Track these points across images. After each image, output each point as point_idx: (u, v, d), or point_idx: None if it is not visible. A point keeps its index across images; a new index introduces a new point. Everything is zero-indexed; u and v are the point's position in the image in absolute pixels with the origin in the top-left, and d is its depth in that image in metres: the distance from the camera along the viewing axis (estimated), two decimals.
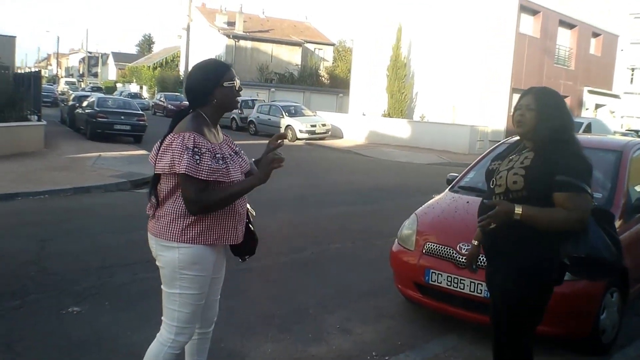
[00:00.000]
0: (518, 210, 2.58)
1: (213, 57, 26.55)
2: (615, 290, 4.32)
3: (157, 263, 2.75)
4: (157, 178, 2.70)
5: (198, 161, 2.52)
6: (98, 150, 16.00)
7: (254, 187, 2.65)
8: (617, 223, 4.49)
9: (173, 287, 2.69)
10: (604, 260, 2.65)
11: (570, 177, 2.60)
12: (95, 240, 6.96)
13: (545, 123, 2.72)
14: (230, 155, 2.72)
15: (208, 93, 2.68)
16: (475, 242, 3.14)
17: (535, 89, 2.86)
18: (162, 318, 2.77)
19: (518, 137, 3.00)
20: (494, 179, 2.86)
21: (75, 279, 5.45)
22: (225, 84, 2.69)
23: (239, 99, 2.89)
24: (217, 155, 2.61)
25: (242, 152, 2.89)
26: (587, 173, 2.68)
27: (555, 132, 2.72)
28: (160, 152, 2.61)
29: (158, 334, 2.79)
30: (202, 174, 2.52)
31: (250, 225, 2.95)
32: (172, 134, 2.61)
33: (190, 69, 2.83)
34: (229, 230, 2.73)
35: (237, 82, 2.75)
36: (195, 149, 2.53)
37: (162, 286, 2.75)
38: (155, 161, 2.63)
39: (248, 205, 2.95)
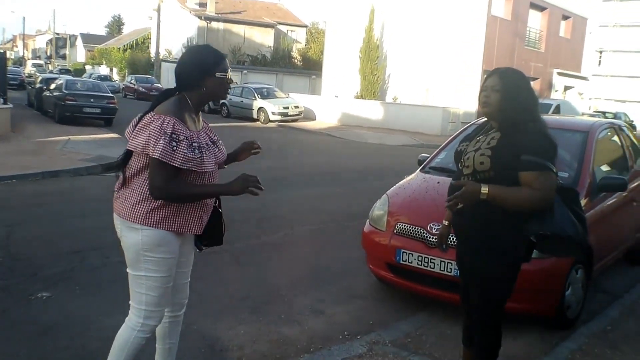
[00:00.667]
0: (484, 190, 2.62)
1: (185, 38, 26.31)
2: (580, 267, 4.43)
3: (121, 244, 2.71)
4: (129, 153, 2.64)
5: (174, 148, 2.47)
6: (67, 133, 15.71)
7: (226, 194, 2.63)
8: (583, 202, 4.58)
9: (138, 270, 2.66)
10: (569, 237, 2.71)
11: (535, 156, 2.65)
12: (65, 225, 6.87)
13: (510, 103, 2.75)
14: (207, 145, 2.67)
15: (199, 79, 2.63)
16: (446, 222, 3.19)
17: (500, 70, 2.88)
18: (130, 302, 2.74)
19: (485, 119, 3.03)
20: (462, 160, 2.90)
21: (45, 264, 5.39)
22: (218, 74, 2.65)
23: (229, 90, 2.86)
24: (193, 144, 2.56)
25: (220, 141, 2.84)
26: (552, 152, 2.72)
27: (520, 112, 2.75)
28: (137, 129, 2.55)
29: (127, 319, 2.76)
30: (176, 161, 2.48)
31: (221, 216, 2.92)
32: (152, 114, 2.55)
33: (185, 50, 2.78)
34: (194, 220, 2.69)
35: (229, 74, 2.71)
36: (174, 135, 2.48)
37: (127, 269, 2.71)
38: (130, 137, 2.58)
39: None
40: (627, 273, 5.98)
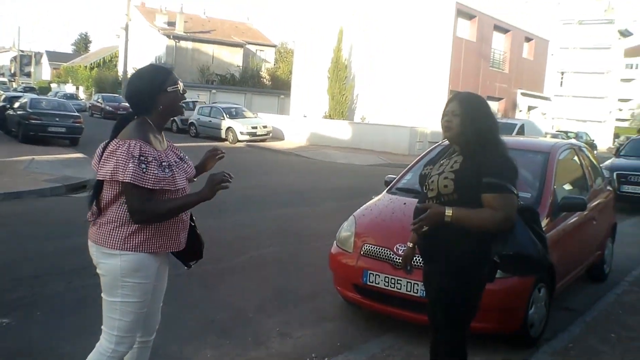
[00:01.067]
0: (448, 212, 2.67)
1: (153, 57, 26.10)
2: (542, 286, 4.52)
3: (97, 271, 2.68)
4: (99, 184, 2.63)
5: (144, 170, 2.48)
6: (31, 153, 15.40)
7: (203, 201, 2.62)
8: (545, 221, 4.71)
9: (114, 296, 2.63)
10: (530, 256, 2.77)
11: (496, 178, 2.71)
12: (27, 248, 6.72)
13: (470, 127, 2.82)
14: (175, 162, 2.69)
15: (152, 100, 2.63)
16: (410, 244, 3.23)
17: (460, 95, 2.96)
18: (102, 327, 2.71)
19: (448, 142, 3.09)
20: (426, 183, 2.95)
21: (5, 289, 5.24)
22: (169, 88, 2.65)
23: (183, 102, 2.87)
24: (163, 164, 2.57)
25: (186, 157, 2.86)
26: (512, 174, 2.79)
27: (480, 135, 2.82)
28: (103, 158, 2.54)
29: (98, 344, 2.72)
30: (148, 182, 2.49)
31: (197, 230, 2.94)
32: (117, 140, 2.54)
33: (130, 75, 2.79)
34: (172, 238, 2.70)
35: (181, 85, 2.72)
36: (142, 157, 2.49)
37: (102, 294, 2.69)
38: (98, 167, 2.57)
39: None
40: (588, 290, 6.11)
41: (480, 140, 2.81)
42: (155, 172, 2.51)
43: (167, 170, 2.57)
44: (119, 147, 2.51)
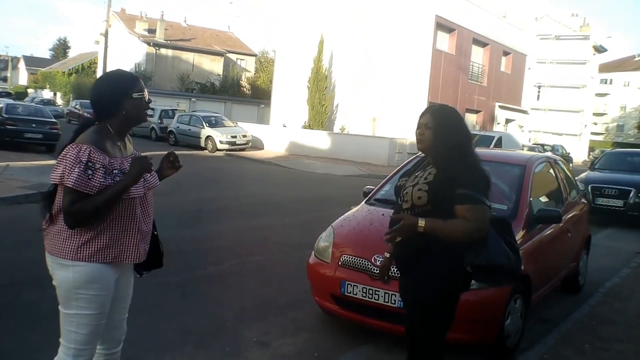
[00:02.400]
0: (421, 223, 2.71)
1: (133, 64, 25.91)
2: (518, 297, 4.58)
3: (53, 282, 2.63)
4: (54, 189, 2.59)
5: (90, 176, 2.44)
6: (6, 159, 15.16)
7: (127, 188, 2.52)
8: (521, 233, 4.78)
9: (69, 308, 2.57)
10: (503, 267, 2.81)
11: (468, 190, 2.75)
12: (1, 256, 6.61)
13: (443, 140, 2.86)
14: None
15: (116, 104, 2.60)
16: (387, 255, 3.25)
17: (433, 108, 3.00)
18: (60, 339, 2.65)
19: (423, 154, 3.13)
20: (401, 194, 2.99)
21: None
22: (135, 95, 2.63)
23: (149, 111, 2.83)
24: (114, 171, 2.52)
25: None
26: (485, 185, 2.84)
27: (452, 148, 2.86)
28: (56, 161, 2.51)
29: (56, 357, 2.67)
30: (92, 189, 2.44)
31: (159, 240, 2.91)
32: (71, 144, 2.51)
33: (96, 79, 2.75)
34: (130, 248, 2.63)
35: (146, 94, 2.69)
36: (89, 164, 2.45)
37: (59, 306, 2.63)
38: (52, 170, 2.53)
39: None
40: (563, 301, 6.20)
41: (452, 153, 2.86)
42: (101, 179, 2.45)
43: (117, 179, 2.51)
44: (69, 151, 2.48)
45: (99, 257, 2.55)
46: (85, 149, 2.46)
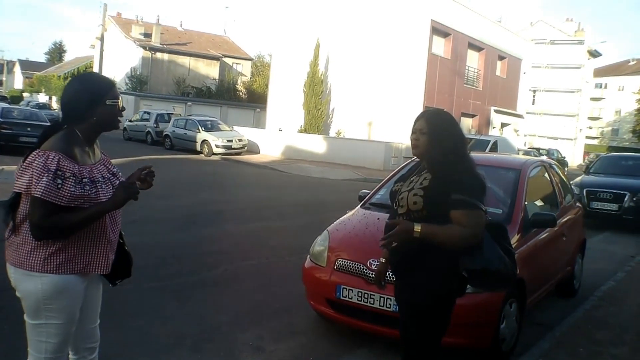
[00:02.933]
0: (417, 228, 2.70)
1: (129, 68, 25.81)
2: (513, 301, 4.58)
3: (17, 294, 2.55)
4: (17, 197, 2.47)
5: (60, 186, 2.34)
6: (1, 163, 15.08)
7: (107, 212, 2.47)
8: (516, 237, 4.78)
9: (38, 318, 2.50)
10: (498, 272, 2.81)
11: (464, 195, 2.74)
12: None
13: (437, 145, 2.86)
14: (103, 179, 2.55)
15: (88, 110, 2.49)
16: (383, 259, 3.25)
17: (427, 113, 3.00)
18: (29, 350, 2.59)
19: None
20: (397, 199, 2.98)
21: None
22: (108, 101, 2.54)
23: (121, 119, 2.74)
24: (84, 180, 2.43)
25: (119, 173, 2.72)
26: (480, 190, 2.83)
27: (447, 153, 2.86)
28: (21, 168, 2.39)
29: None
30: (62, 200, 2.34)
31: (126, 247, 2.83)
32: (37, 151, 2.39)
33: (70, 80, 2.63)
34: (98, 258, 2.56)
35: (121, 102, 2.61)
36: (59, 172, 2.34)
37: (24, 317, 2.56)
38: (16, 177, 2.41)
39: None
40: (558, 305, 6.21)
41: (447, 158, 2.85)
42: (71, 189, 2.36)
43: (86, 187, 2.42)
44: (36, 158, 2.36)
45: (67, 268, 2.47)
46: (54, 156, 2.36)
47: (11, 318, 4.82)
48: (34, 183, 2.32)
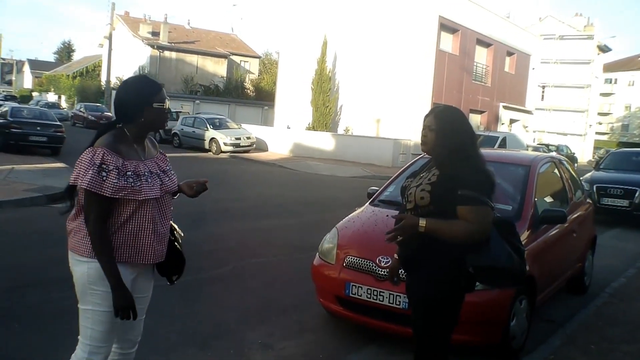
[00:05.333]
0: (422, 223, 2.70)
1: (137, 67, 25.91)
2: (523, 298, 4.55)
3: (73, 279, 2.69)
4: (72, 187, 2.66)
5: (104, 178, 2.51)
6: (11, 162, 15.20)
7: (110, 282, 2.54)
8: (525, 234, 4.75)
9: (85, 303, 2.64)
10: (505, 269, 2.79)
11: (471, 191, 2.73)
12: (6, 259, 6.62)
13: (445, 141, 2.86)
14: (151, 173, 2.69)
15: (137, 111, 2.66)
16: (396, 256, 3.24)
17: (437, 110, 2.99)
18: (79, 336, 2.70)
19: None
20: (406, 195, 2.99)
21: None
22: (155, 104, 2.69)
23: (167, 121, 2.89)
24: (127, 173, 2.58)
25: (171, 171, 2.87)
26: (488, 186, 2.82)
27: (455, 150, 2.86)
28: (75, 164, 2.59)
29: (73, 354, 2.71)
30: (106, 190, 2.50)
31: (177, 245, 2.94)
32: (88, 148, 2.59)
33: (121, 82, 2.81)
34: (144, 249, 2.68)
35: (167, 104, 2.75)
36: (103, 166, 2.52)
37: (78, 304, 2.69)
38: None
39: (175, 225, 2.97)
40: (569, 302, 6.17)
41: (455, 154, 2.85)
42: (114, 181, 2.52)
43: (130, 180, 2.57)
44: (85, 155, 2.56)
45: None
46: (100, 151, 2.54)
47: (22, 317, 4.86)
48: (81, 176, 2.51)
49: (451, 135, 2.87)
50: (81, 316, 2.68)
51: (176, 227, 3.00)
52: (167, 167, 2.85)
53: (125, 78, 2.77)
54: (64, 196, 2.72)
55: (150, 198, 2.65)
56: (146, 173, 2.67)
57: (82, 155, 2.57)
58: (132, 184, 2.58)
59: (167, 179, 2.79)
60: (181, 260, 2.98)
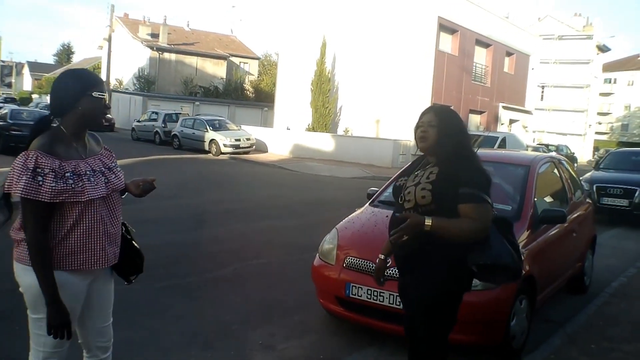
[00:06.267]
0: (428, 222, 2.69)
1: (136, 68, 25.83)
2: (524, 298, 4.56)
3: (19, 289, 2.59)
4: (8, 196, 2.52)
5: (41, 182, 2.36)
6: (11, 164, 15.19)
7: (48, 299, 2.42)
8: (525, 234, 4.77)
9: (37, 312, 2.53)
10: (507, 266, 2.82)
11: (473, 189, 2.76)
12: (7, 261, 6.61)
13: (447, 138, 2.88)
14: (93, 172, 2.55)
15: (73, 100, 2.52)
16: (382, 256, 3.25)
17: (436, 108, 3.02)
18: (30, 343, 2.63)
19: (421, 153, 3.12)
20: (402, 194, 2.98)
21: None
22: (95, 94, 2.55)
23: (107, 117, 2.77)
24: (66, 174, 2.44)
25: (116, 168, 2.73)
26: (487, 185, 2.85)
27: (456, 147, 2.88)
28: (10, 169, 2.43)
29: None
30: (44, 196, 2.36)
31: (134, 243, 2.85)
32: (22, 152, 2.43)
33: (59, 75, 2.67)
34: (96, 253, 2.56)
35: (107, 98, 2.64)
36: (38, 169, 2.37)
37: (27, 311, 2.60)
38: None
39: (125, 222, 2.85)
40: (569, 302, 6.18)
41: (457, 151, 2.87)
42: (52, 184, 2.37)
43: (70, 182, 2.43)
44: (19, 159, 2.41)
45: (63, 264, 2.50)
46: (32, 155, 2.39)
47: (24, 318, 4.86)
48: (14, 183, 2.37)
49: (453, 133, 2.89)
50: (32, 324, 2.58)
51: (127, 223, 2.87)
52: (113, 164, 2.72)
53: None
54: (3, 205, 2.52)
55: (96, 198, 2.52)
56: (88, 172, 2.53)
57: (15, 160, 2.41)
58: (73, 186, 2.44)
59: (114, 176, 2.66)
60: (139, 258, 2.87)
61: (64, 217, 2.48)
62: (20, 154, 2.42)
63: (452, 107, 3.17)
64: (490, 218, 2.79)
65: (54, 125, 2.58)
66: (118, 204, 2.70)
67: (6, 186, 2.41)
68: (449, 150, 2.87)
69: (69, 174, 2.44)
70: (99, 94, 2.57)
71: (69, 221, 2.48)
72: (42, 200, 2.36)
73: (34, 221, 2.40)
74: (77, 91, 2.53)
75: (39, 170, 2.37)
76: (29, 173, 2.35)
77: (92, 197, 2.49)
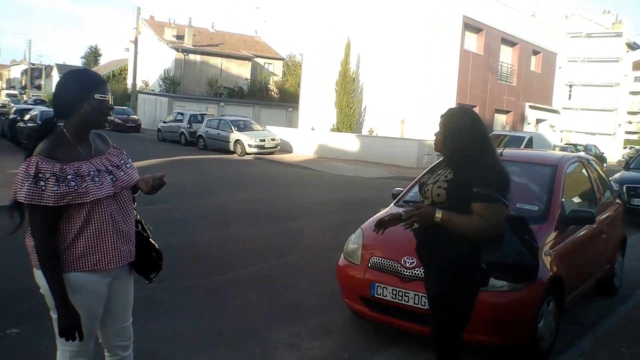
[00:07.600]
0: (438, 214, 2.81)
1: (162, 70, 25.92)
2: (551, 299, 4.50)
3: (40, 291, 2.60)
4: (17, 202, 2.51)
5: (44, 187, 2.37)
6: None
7: (57, 304, 2.43)
8: (553, 234, 4.70)
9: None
10: (516, 265, 2.84)
11: (484, 188, 2.81)
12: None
13: (451, 143, 2.97)
14: (97, 172, 2.54)
15: (76, 102, 2.52)
16: (386, 218, 3.14)
17: (446, 113, 3.08)
18: (57, 342, 2.64)
19: None
20: (423, 191, 3.08)
21: (15, 299, 5.29)
22: (97, 95, 2.55)
23: (110, 118, 2.75)
24: (68, 177, 2.43)
25: (127, 164, 2.72)
26: (501, 184, 2.88)
27: (462, 150, 2.93)
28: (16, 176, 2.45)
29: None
30: (48, 200, 2.37)
31: (151, 240, 2.85)
32: (25, 159, 2.45)
33: (62, 76, 2.68)
34: (110, 252, 2.56)
35: (110, 99, 2.62)
36: (39, 175, 2.38)
37: (50, 312, 2.60)
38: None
39: (142, 220, 2.85)
40: (598, 304, 6.07)
41: (464, 154, 2.92)
42: (54, 188, 2.37)
43: (73, 184, 2.42)
44: (22, 166, 2.42)
45: (78, 266, 2.51)
46: (34, 161, 2.40)
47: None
48: (18, 189, 2.39)
49: (459, 137, 2.95)
50: (55, 324, 2.56)
51: (143, 221, 2.86)
52: (122, 162, 2.70)
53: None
54: (12, 213, 2.50)
55: (102, 197, 2.51)
56: (92, 172, 2.51)
57: (19, 167, 2.43)
58: (76, 187, 2.43)
59: (122, 173, 2.64)
60: (157, 255, 2.86)
61: (72, 219, 2.49)
62: (24, 161, 2.45)
63: (466, 108, 3.19)
64: (501, 218, 2.84)
65: (59, 126, 2.58)
66: (129, 202, 2.69)
67: (12, 193, 2.44)
68: (455, 153, 2.97)
69: (70, 176, 2.44)
70: (101, 96, 2.57)
71: (77, 223, 2.49)
72: (47, 204, 2.38)
73: (40, 226, 2.42)
74: (79, 94, 2.53)
75: (41, 175, 2.38)
76: (31, 179, 2.37)
77: (97, 197, 2.49)
